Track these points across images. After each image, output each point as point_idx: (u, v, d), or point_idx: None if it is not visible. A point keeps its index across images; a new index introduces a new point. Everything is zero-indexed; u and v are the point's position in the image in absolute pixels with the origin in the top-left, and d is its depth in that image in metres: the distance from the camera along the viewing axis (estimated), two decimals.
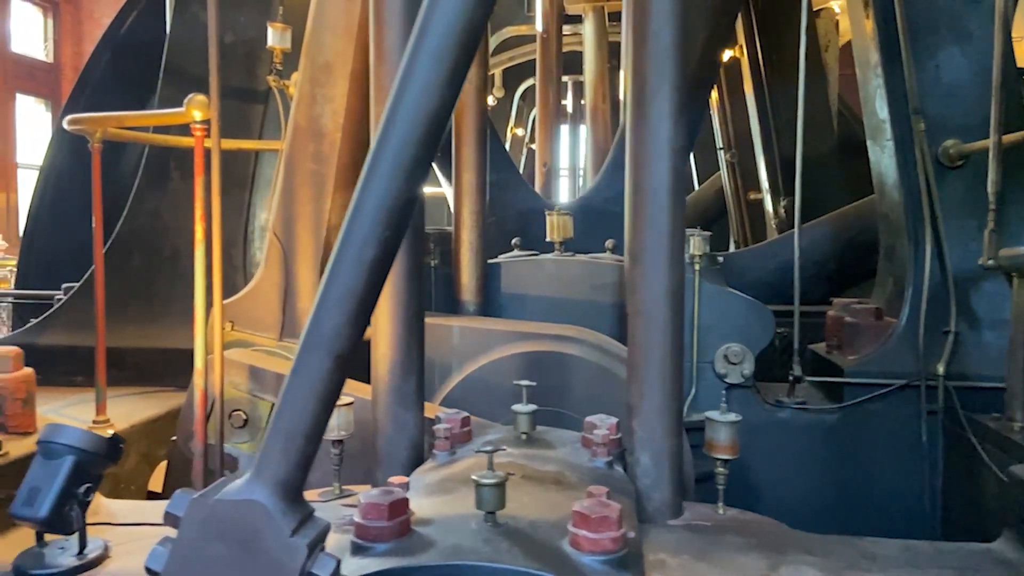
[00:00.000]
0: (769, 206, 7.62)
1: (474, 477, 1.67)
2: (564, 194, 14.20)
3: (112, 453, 1.88)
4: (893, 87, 3.76)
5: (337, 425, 2.30)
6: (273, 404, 2.84)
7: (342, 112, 3.08)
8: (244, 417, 2.80)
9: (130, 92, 6.04)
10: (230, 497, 1.23)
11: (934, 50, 3.69)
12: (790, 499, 3.60)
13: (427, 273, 3.42)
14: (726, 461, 2.27)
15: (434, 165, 2.96)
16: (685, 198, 2.24)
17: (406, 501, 1.67)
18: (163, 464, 3.17)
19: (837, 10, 8.56)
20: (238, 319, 3.12)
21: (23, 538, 2.00)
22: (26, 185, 19.95)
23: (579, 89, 13.84)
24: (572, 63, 11.65)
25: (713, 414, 2.27)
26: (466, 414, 2.41)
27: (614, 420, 2.32)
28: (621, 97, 8.23)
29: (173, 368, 4.31)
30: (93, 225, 3.16)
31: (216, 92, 2.55)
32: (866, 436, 3.63)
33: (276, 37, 4.11)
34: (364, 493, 1.67)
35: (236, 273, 4.57)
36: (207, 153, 2.64)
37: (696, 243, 3.55)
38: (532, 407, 2.36)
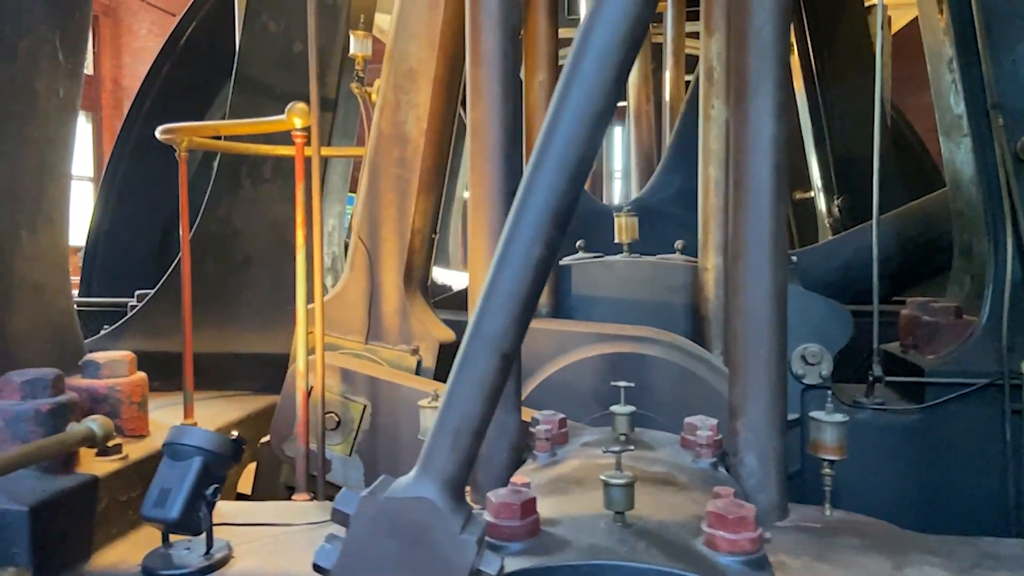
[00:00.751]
0: (822, 205, 7.53)
1: (603, 477, 1.67)
2: (604, 196, 14.17)
3: (236, 454, 1.92)
4: (969, 82, 3.70)
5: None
6: (364, 407, 2.88)
7: (425, 118, 3.12)
8: (336, 419, 2.83)
9: (190, 102, 6.17)
10: (400, 494, 1.24)
11: (1012, 43, 3.62)
12: (870, 500, 3.53)
13: None
14: (832, 462, 2.25)
15: None
16: (787, 196, 2.23)
17: (535, 501, 1.68)
18: (251, 466, 3.22)
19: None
20: (325, 322, 3.15)
21: (146, 539, 2.05)
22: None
23: None
24: None
25: (819, 414, 2.25)
26: (562, 415, 2.41)
27: (714, 421, 2.31)
28: (667, 98, 8.22)
29: (244, 372, 4.38)
30: (180, 233, 3.23)
31: (316, 100, 2.59)
32: (947, 436, 3.56)
33: (358, 45, 4.16)
34: (492, 492, 1.68)
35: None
36: (306, 160, 2.68)
37: None
38: (630, 408, 2.35)
